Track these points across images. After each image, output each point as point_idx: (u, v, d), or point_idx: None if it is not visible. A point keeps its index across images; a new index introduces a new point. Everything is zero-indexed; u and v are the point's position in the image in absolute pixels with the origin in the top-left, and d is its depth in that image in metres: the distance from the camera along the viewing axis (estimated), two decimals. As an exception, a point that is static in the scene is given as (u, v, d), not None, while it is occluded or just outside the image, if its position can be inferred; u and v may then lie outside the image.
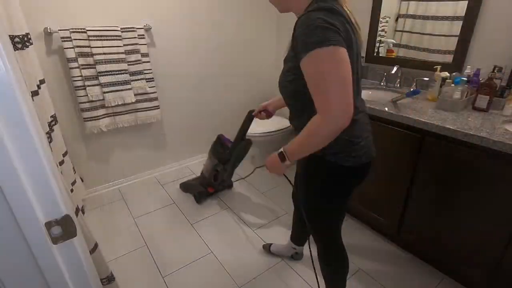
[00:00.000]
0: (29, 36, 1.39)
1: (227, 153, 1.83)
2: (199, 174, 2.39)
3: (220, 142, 1.98)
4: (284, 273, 1.54)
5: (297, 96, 0.87)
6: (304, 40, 0.74)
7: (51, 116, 1.61)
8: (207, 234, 1.83)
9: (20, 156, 0.47)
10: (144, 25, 2.02)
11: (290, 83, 0.87)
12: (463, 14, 1.54)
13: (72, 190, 1.72)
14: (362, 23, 1.97)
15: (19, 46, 1.14)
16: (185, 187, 2.23)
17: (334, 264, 1.18)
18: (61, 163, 1.65)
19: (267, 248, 1.65)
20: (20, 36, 1.14)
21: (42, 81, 1.55)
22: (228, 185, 2.26)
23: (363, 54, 2.05)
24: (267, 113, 1.36)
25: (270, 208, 2.06)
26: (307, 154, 0.88)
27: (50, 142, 1.35)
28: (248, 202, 2.13)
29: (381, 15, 1.91)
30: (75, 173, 1.94)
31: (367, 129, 0.97)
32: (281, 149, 0.91)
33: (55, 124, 1.66)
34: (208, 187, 2.10)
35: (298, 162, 1.13)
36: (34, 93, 1.25)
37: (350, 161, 0.91)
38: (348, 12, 0.83)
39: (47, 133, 1.32)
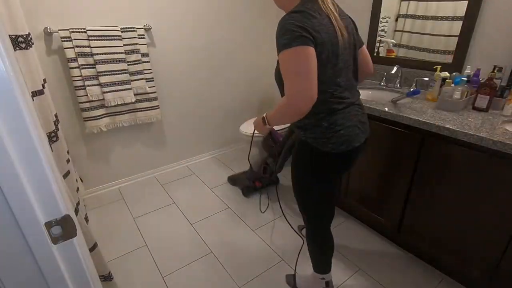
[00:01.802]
0: (31, 36, 1.40)
1: (278, 147, 1.87)
2: (198, 174, 2.42)
3: (271, 136, 2.02)
4: (284, 273, 1.54)
5: (281, 82, 0.97)
6: (277, 40, 0.90)
7: (55, 115, 1.62)
8: (207, 233, 1.83)
9: (20, 156, 0.47)
10: (144, 25, 2.02)
11: (278, 72, 0.99)
12: (463, 14, 1.54)
13: (77, 189, 1.73)
14: (362, 23, 1.99)
15: (23, 46, 1.14)
16: (233, 180, 2.33)
17: (316, 244, 1.29)
18: (68, 161, 1.65)
19: (291, 283, 1.46)
20: (24, 36, 1.14)
21: (44, 80, 1.56)
22: (275, 180, 2.30)
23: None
24: None
25: (270, 207, 2.06)
26: (281, 124, 1.06)
27: (56, 140, 1.35)
28: (248, 202, 2.13)
29: (381, 15, 1.91)
30: (74, 172, 1.94)
31: (354, 120, 1.03)
32: (265, 114, 1.07)
33: (58, 122, 1.67)
34: (256, 181, 2.16)
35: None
36: (39, 92, 1.25)
37: (329, 147, 1.00)
38: (330, 13, 0.94)
39: (53, 131, 1.32)
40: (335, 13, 0.95)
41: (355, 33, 1.06)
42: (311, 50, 0.86)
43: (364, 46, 1.15)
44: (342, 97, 1.00)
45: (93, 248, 1.19)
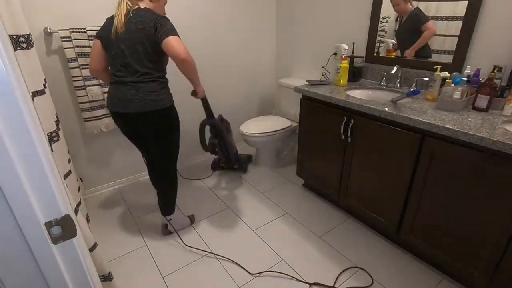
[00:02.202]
0: (31, 36, 1.40)
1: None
2: (198, 174, 2.42)
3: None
4: (283, 274, 1.54)
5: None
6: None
7: (55, 115, 1.62)
8: (207, 233, 1.83)
9: (20, 156, 0.47)
10: (144, 25, 2.02)
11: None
12: (463, 14, 1.54)
13: (78, 188, 1.73)
14: (362, 23, 1.99)
15: (24, 45, 1.14)
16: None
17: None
18: (69, 160, 1.66)
19: (166, 231, 1.84)
20: (25, 36, 1.14)
21: (45, 80, 1.56)
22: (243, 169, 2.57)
23: (363, 54, 2.06)
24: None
25: (270, 207, 2.06)
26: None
27: (57, 140, 1.35)
28: (248, 202, 2.13)
29: (381, 15, 1.91)
30: (74, 172, 1.93)
31: (116, 91, 1.45)
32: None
33: (59, 122, 1.66)
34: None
35: None
36: (41, 92, 1.25)
37: (108, 106, 1.54)
38: (118, 16, 1.36)
39: (54, 131, 1.32)
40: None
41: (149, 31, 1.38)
42: (96, 42, 1.45)
43: (166, 39, 1.33)
44: (111, 74, 1.48)
45: (93, 248, 1.19)
